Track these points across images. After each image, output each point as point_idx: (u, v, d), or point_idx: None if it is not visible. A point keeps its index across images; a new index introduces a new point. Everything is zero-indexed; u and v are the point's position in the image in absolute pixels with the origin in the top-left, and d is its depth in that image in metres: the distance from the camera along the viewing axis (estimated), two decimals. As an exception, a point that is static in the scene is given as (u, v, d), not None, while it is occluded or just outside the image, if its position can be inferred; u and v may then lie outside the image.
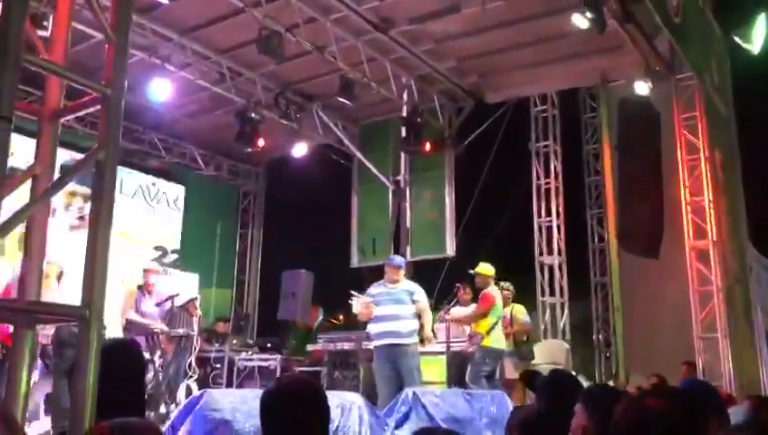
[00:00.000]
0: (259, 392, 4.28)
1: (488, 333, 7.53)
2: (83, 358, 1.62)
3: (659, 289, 10.01)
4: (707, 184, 9.10)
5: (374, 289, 7.09)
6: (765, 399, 5.56)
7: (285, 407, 1.88)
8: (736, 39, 10.92)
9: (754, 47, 10.61)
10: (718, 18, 10.52)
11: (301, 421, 1.86)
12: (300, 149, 11.38)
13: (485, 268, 7.86)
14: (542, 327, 10.82)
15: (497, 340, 7.58)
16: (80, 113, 1.91)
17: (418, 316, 6.89)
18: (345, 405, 4.78)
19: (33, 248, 1.76)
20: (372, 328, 6.94)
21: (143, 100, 9.75)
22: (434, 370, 7.71)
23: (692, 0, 9.40)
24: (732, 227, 9.95)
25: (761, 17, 10.99)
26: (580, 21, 7.56)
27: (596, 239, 12.34)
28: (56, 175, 1.89)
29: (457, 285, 8.28)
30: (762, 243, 11.42)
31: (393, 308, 6.81)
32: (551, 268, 11.20)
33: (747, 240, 10.78)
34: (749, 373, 9.16)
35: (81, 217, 10.36)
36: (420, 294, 6.98)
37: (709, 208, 9.03)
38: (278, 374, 9.44)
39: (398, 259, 7.34)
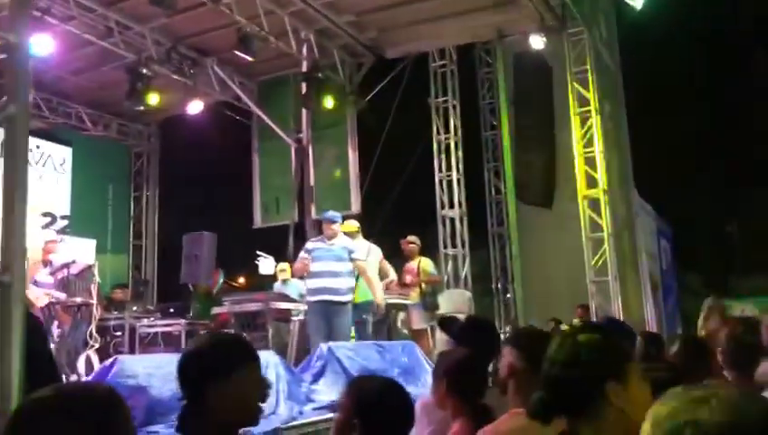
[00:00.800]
0: (173, 357, 4.18)
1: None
2: (7, 326, 1.52)
3: (554, 237, 10.51)
4: (598, 135, 9.53)
5: (311, 244, 7.01)
6: (652, 335, 6.02)
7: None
8: (621, -5, 11.42)
9: (637, 3, 11.14)
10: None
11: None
12: (195, 107, 10.95)
13: (348, 225, 7.82)
14: (445, 278, 11.12)
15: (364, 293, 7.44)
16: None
17: (357, 276, 6.85)
18: (261, 364, 4.74)
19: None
20: (309, 283, 6.83)
21: (21, 55, 9.05)
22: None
23: (583, -44, 9.71)
24: (620, 176, 10.55)
25: (643, -26, 11.53)
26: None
27: (493, 191, 12.76)
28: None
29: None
30: (646, 190, 12.20)
31: (331, 265, 6.71)
32: (452, 221, 11.47)
33: (633, 188, 11.48)
34: (636, 313, 9.86)
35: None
36: (360, 252, 6.91)
37: (599, 159, 9.48)
38: (183, 340, 9.26)
39: (332, 214, 7.16)
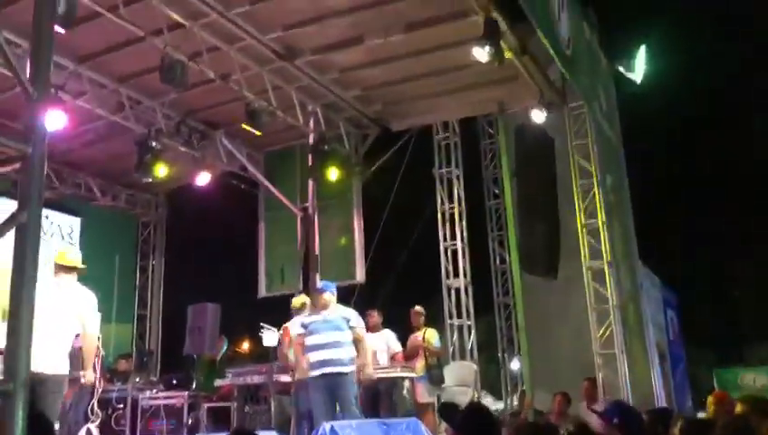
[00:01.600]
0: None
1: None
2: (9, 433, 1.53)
3: (560, 308, 10.44)
4: (600, 207, 9.60)
5: (306, 319, 6.87)
6: (659, 412, 5.92)
7: None
8: (621, 69, 11.70)
9: (637, 77, 11.39)
10: (604, 50, 11.22)
11: None
12: (203, 178, 11.13)
13: (295, 301, 7.86)
14: (451, 349, 11.03)
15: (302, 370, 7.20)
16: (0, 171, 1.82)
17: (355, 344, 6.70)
18: (263, 445, 4.68)
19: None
20: (310, 357, 6.65)
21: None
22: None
23: (581, 33, 9.99)
24: (623, 247, 10.57)
25: (641, 49, 11.84)
26: (480, 54, 7.85)
27: (497, 261, 12.76)
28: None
29: (368, 312, 8.32)
30: (651, 261, 12.19)
31: (332, 335, 6.59)
32: (457, 290, 11.46)
33: (637, 259, 11.47)
34: (643, 386, 9.70)
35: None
36: (357, 319, 6.79)
37: (602, 230, 9.52)
38: (185, 412, 9.14)
39: (324, 283, 7.16)
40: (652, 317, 11.70)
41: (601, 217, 9.55)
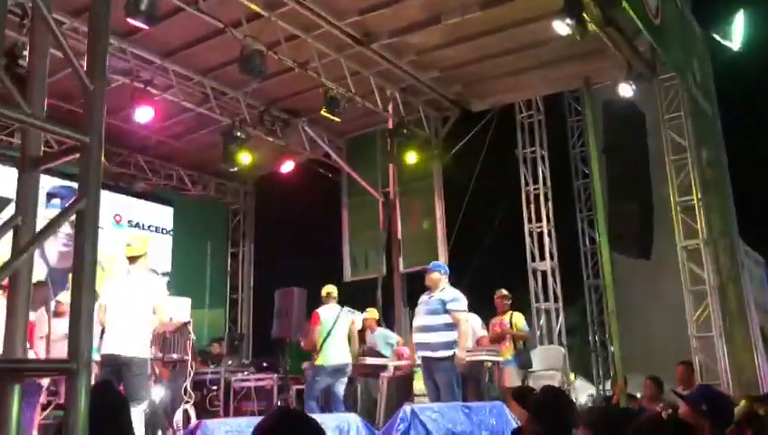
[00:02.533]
0: (253, 420, 4.24)
1: (318, 350, 7.45)
2: (73, 413, 1.58)
3: (653, 289, 10.04)
4: (695, 183, 9.12)
5: (420, 299, 6.97)
6: (758, 398, 5.57)
7: None
8: (717, 37, 11.00)
9: (735, 44, 10.69)
10: (698, 17, 10.59)
11: None
12: (287, 166, 11.34)
13: (323, 290, 8.00)
14: (538, 333, 10.81)
15: (327, 357, 7.42)
16: (59, 162, 1.87)
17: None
18: (342, 427, 4.74)
19: (18, 302, 1.72)
20: (413, 338, 6.87)
21: (128, 123, 9.72)
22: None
23: (671, 0, 9.46)
24: (722, 225, 9.99)
25: (739, 14, 11.09)
26: (561, 27, 7.57)
27: (587, 242, 12.38)
28: (39, 223, 1.85)
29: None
30: (752, 237, 11.49)
31: (425, 319, 6.65)
32: (543, 274, 11.19)
33: (738, 236, 10.82)
34: (746, 372, 9.17)
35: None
36: (456, 303, 6.62)
37: (698, 207, 9.04)
38: (275, 394, 9.39)
39: (433, 264, 7.14)
40: (755, 298, 11.03)
41: (697, 193, 9.07)
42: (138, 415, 5.43)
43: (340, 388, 7.43)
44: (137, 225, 11.97)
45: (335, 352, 7.43)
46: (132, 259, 5.83)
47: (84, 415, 1.59)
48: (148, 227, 12.09)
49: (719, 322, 8.71)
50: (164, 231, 12.41)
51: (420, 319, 6.73)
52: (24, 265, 1.74)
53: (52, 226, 1.70)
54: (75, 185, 1.80)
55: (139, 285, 5.69)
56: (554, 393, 3.16)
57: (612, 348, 11.54)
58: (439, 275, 6.82)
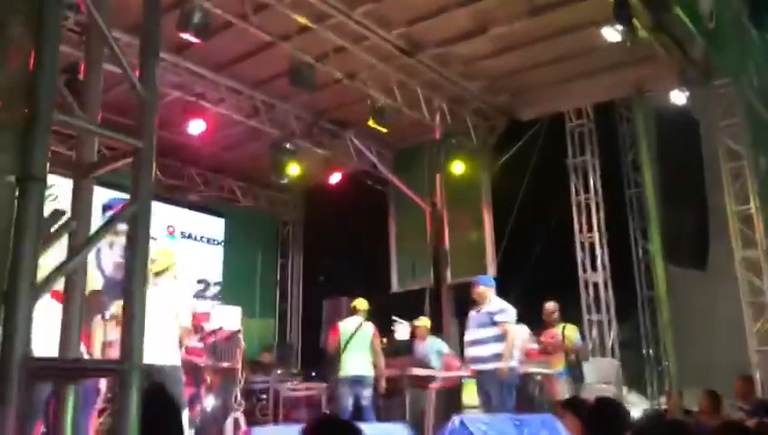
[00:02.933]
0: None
1: (338, 362, 7.43)
2: (124, 413, 1.61)
3: (710, 301, 9.74)
4: (753, 191, 8.84)
5: (469, 313, 7.04)
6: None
7: None
8: (775, 42, 10.68)
9: (794, 49, 10.36)
10: (755, 23, 10.29)
11: None
12: (335, 177, 11.43)
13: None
14: (590, 346, 10.58)
15: (345, 368, 7.39)
16: (111, 167, 1.92)
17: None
18: (391, 437, 4.71)
19: (72, 305, 1.77)
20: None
21: (180, 136, 9.95)
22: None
23: (726, 5, 9.23)
24: (782, 234, 9.65)
25: (798, 18, 10.74)
26: (611, 34, 7.47)
27: (640, 253, 12.10)
28: (93, 228, 1.90)
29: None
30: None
31: (475, 332, 6.72)
32: (595, 285, 10.98)
33: (799, 247, 10.43)
34: (810, 386, 8.81)
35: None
36: (503, 314, 6.64)
37: (757, 216, 8.76)
38: (324, 403, 9.42)
39: (479, 277, 7.19)
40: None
41: (755, 201, 8.78)
42: None
43: (365, 402, 7.37)
44: (189, 236, 12.20)
45: (353, 363, 7.42)
46: (158, 274, 5.94)
47: (135, 415, 1.62)
48: (201, 238, 12.32)
49: (781, 336, 8.40)
50: (215, 242, 12.64)
51: (470, 333, 6.79)
52: (78, 268, 1.79)
53: (105, 229, 1.75)
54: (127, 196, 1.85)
55: (165, 296, 5.81)
56: (609, 403, 3.08)
57: (667, 362, 11.23)
58: (485, 289, 6.87)
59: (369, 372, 7.40)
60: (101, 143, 2.14)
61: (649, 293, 11.95)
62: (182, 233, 12.13)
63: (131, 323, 1.65)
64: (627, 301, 12.02)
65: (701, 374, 9.49)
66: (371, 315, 8.03)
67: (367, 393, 7.35)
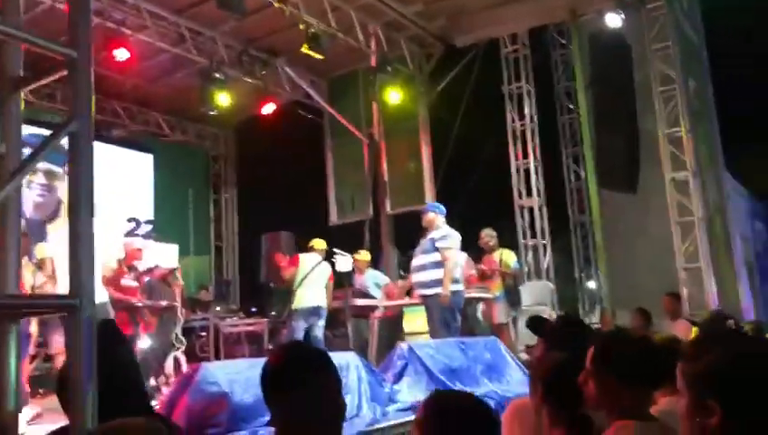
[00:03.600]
0: (254, 362, 4.18)
1: (294, 294, 7.55)
2: (77, 352, 1.46)
3: (640, 223, 10.04)
4: (683, 114, 9.04)
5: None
6: (757, 324, 5.61)
7: (294, 375, 1.77)
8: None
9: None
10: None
11: (314, 387, 1.75)
12: (268, 108, 11.05)
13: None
14: (526, 269, 10.83)
15: (301, 300, 7.50)
16: (43, 81, 1.70)
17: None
18: (342, 365, 4.68)
19: (8, 236, 1.58)
20: None
21: (100, 67, 9.36)
22: (422, 320, 7.67)
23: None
24: (709, 156, 9.98)
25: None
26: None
27: (573, 178, 12.34)
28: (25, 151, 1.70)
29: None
30: (737, 170, 11.52)
31: (419, 258, 6.72)
32: (531, 210, 11.15)
33: (724, 168, 10.85)
34: (732, 301, 9.31)
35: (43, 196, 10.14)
36: (444, 240, 6.60)
37: (686, 139, 8.99)
38: (266, 338, 9.38)
39: (428, 205, 7.18)
40: (739, 230, 11.14)
41: (685, 124, 9.00)
42: None
43: (318, 331, 7.52)
44: (115, 171, 11.64)
45: (310, 295, 7.50)
46: None
47: (90, 354, 1.47)
48: (128, 174, 11.79)
49: (706, 253, 8.76)
50: (144, 179, 12.13)
51: (415, 259, 6.81)
52: (12, 196, 1.59)
53: (41, 149, 1.55)
54: (45, 132, 1.64)
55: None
56: (571, 320, 3.11)
57: (599, 283, 11.64)
58: (434, 215, 6.82)
59: (323, 303, 7.51)
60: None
61: (581, 217, 12.27)
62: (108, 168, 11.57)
63: (79, 253, 1.48)
64: (560, 225, 12.31)
65: (632, 294, 9.86)
66: (310, 249, 7.98)
67: (321, 323, 7.48)
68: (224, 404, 3.70)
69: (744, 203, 12.21)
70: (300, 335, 7.35)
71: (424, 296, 6.64)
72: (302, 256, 7.83)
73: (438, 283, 6.53)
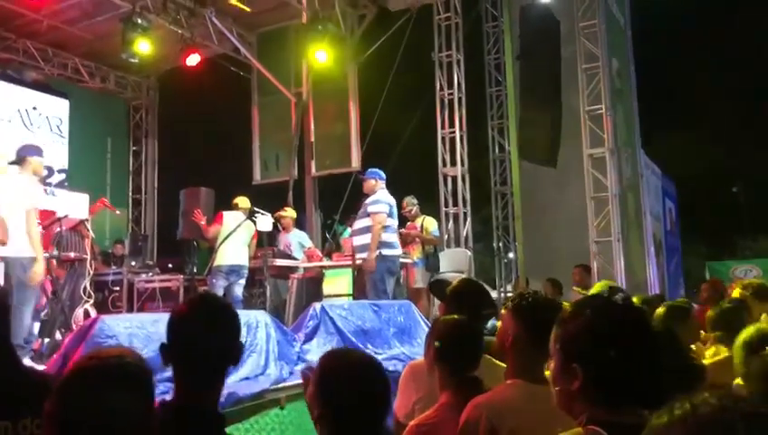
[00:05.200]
0: (157, 317, 4.09)
1: (216, 251, 7.63)
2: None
3: (558, 197, 10.32)
4: (604, 93, 9.28)
5: None
6: (653, 299, 5.89)
7: (200, 327, 1.75)
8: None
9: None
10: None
11: (209, 338, 1.73)
12: (193, 59, 10.67)
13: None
14: (446, 237, 10.98)
15: (223, 257, 7.56)
16: None
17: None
18: (251, 323, 4.64)
19: None
20: None
21: (13, 3, 8.83)
22: (342, 283, 7.71)
23: None
24: (626, 135, 10.31)
25: None
26: None
27: (497, 150, 12.51)
28: None
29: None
30: (652, 149, 11.95)
31: (356, 223, 6.89)
32: (454, 179, 11.26)
33: (640, 147, 11.24)
34: (638, 274, 9.73)
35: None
36: (373, 205, 6.76)
37: (606, 117, 9.25)
38: (181, 295, 9.20)
39: (367, 171, 7.16)
40: (651, 207, 11.61)
41: (606, 102, 9.25)
42: (27, 317, 5.31)
43: (238, 290, 7.54)
44: (26, 115, 11.07)
45: (232, 253, 7.51)
46: (20, 162, 5.69)
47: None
48: (40, 118, 11.21)
49: (618, 228, 9.10)
50: (58, 125, 11.56)
51: (354, 223, 6.94)
52: None
53: None
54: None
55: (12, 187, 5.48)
56: (469, 282, 3.17)
57: (516, 253, 11.93)
58: (374, 182, 6.94)
59: (245, 262, 7.50)
60: None
61: (502, 188, 12.48)
62: (18, 112, 10.98)
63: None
64: (481, 195, 12.51)
65: (546, 265, 10.18)
66: (234, 207, 7.88)
67: (241, 282, 7.52)
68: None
69: (656, 181, 12.70)
70: (219, 293, 7.28)
71: (362, 259, 6.74)
72: (226, 214, 7.76)
73: (366, 247, 6.68)
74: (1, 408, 1.48)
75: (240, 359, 1.83)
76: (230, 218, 7.66)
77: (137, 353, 1.45)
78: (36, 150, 6.09)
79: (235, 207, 7.84)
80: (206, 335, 1.73)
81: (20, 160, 5.77)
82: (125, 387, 1.32)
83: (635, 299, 4.67)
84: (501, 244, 12.74)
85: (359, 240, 6.87)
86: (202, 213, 8.55)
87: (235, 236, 7.53)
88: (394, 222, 7.14)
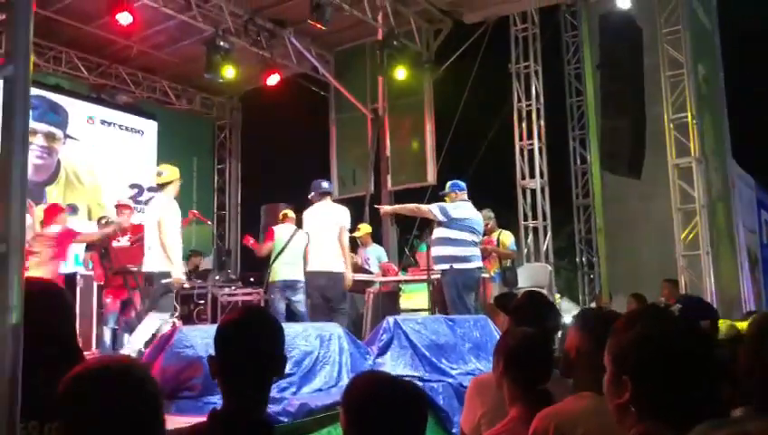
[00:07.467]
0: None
1: (270, 267, 7.55)
2: (2, 301, 1.44)
3: (642, 209, 9.96)
4: (690, 100, 8.91)
5: None
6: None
7: (243, 339, 1.78)
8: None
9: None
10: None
11: (254, 349, 1.77)
12: (273, 79, 10.99)
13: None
14: (525, 251, 10.76)
15: (276, 273, 7.48)
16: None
17: None
18: (324, 335, 4.68)
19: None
20: None
21: (106, 32, 9.33)
22: (419, 298, 7.67)
23: None
24: (715, 144, 9.85)
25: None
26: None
27: (578, 161, 12.21)
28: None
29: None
30: (745, 159, 11.36)
31: (434, 232, 6.84)
32: (533, 192, 11.04)
33: (731, 157, 10.71)
34: (731, 290, 9.23)
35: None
36: (456, 208, 6.78)
37: (692, 125, 8.86)
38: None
39: (450, 184, 7.13)
40: (744, 219, 11.02)
41: (691, 110, 8.87)
42: (151, 322, 5.91)
43: (299, 305, 7.38)
44: (116, 129, 11.62)
45: (285, 268, 7.40)
46: (161, 186, 6.20)
47: (17, 302, 1.44)
48: (131, 137, 11.80)
49: (707, 241, 8.68)
50: (149, 144, 12.12)
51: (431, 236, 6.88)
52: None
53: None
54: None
55: (158, 207, 6.10)
56: (535, 295, 3.08)
57: (599, 268, 11.58)
58: (455, 195, 6.92)
59: (299, 277, 7.33)
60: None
61: (585, 201, 12.15)
62: (112, 133, 11.58)
63: (9, 197, 1.46)
64: (562, 208, 12.21)
65: (631, 280, 9.83)
66: (283, 219, 7.99)
67: (298, 298, 7.33)
68: (199, 369, 3.69)
69: (751, 193, 12.06)
70: (279, 307, 7.26)
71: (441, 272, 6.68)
72: (277, 229, 7.74)
73: (445, 259, 6.58)
74: (34, 407, 1.52)
75: (284, 371, 1.82)
76: (281, 232, 7.66)
77: (144, 363, 1.48)
78: None
79: (285, 219, 7.86)
80: (249, 347, 1.75)
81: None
82: (127, 390, 1.35)
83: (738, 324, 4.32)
84: (584, 258, 12.39)
85: (435, 251, 6.76)
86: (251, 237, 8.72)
87: (287, 251, 7.48)
88: (471, 235, 7.05)
